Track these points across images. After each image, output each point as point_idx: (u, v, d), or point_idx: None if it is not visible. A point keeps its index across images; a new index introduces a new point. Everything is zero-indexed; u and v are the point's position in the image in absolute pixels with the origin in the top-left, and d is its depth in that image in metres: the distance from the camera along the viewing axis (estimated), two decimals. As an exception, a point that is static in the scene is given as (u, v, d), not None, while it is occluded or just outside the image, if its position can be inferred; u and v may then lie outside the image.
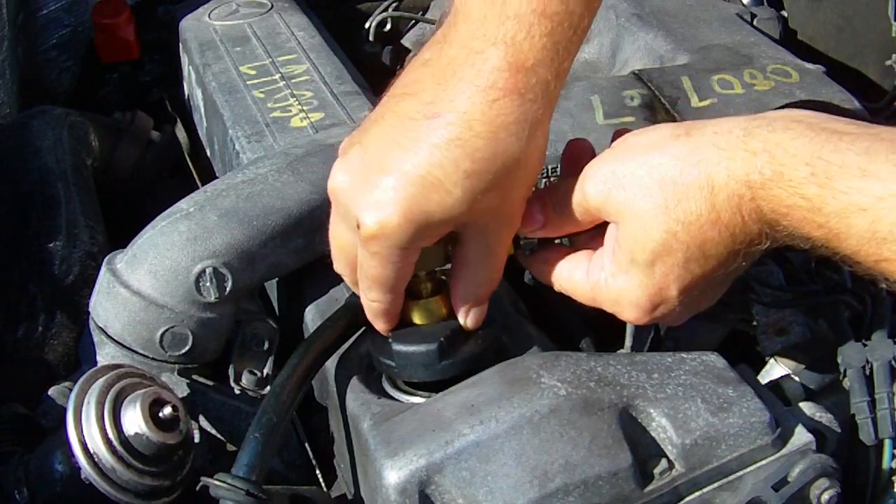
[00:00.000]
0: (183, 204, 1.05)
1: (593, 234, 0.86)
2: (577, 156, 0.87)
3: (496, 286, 0.87)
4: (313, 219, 1.03)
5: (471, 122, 0.77)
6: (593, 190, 0.81)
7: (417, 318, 0.89)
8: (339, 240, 0.87)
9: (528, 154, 0.79)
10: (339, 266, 0.89)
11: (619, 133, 0.86)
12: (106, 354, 1.03)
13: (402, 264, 0.82)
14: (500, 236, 0.84)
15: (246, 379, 1.05)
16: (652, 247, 0.79)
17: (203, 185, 1.15)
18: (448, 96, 0.78)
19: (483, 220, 0.81)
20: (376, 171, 0.79)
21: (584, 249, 0.87)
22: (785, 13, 1.64)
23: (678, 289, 0.81)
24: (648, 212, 0.78)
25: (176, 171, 1.57)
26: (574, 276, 0.86)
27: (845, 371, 0.97)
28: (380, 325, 0.89)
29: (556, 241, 0.90)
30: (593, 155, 0.86)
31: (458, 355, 0.87)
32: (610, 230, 0.84)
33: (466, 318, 0.87)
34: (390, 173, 0.78)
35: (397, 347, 0.87)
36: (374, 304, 0.86)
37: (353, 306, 0.92)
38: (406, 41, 1.79)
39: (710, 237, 0.77)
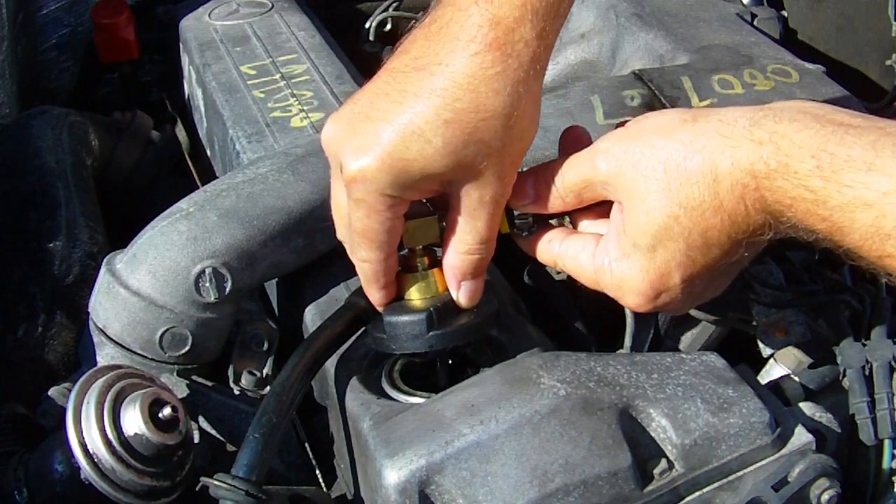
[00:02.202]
0: (183, 204, 1.05)
1: (599, 219, 0.87)
2: (574, 140, 0.88)
3: (487, 260, 0.87)
4: (313, 219, 1.04)
5: (453, 73, 0.79)
6: (605, 165, 0.82)
7: (414, 293, 0.88)
8: (336, 199, 0.88)
9: (511, 112, 0.80)
10: (339, 232, 0.90)
11: (621, 125, 0.86)
12: (105, 355, 1.03)
13: (386, 215, 0.82)
14: (486, 199, 0.83)
15: (246, 379, 1.05)
16: (654, 230, 0.79)
17: (203, 185, 1.15)
18: (434, 50, 0.80)
19: (467, 178, 0.82)
20: (363, 120, 0.81)
21: (591, 233, 0.87)
22: (785, 13, 1.64)
23: (681, 276, 0.81)
24: (653, 194, 0.78)
25: (176, 171, 1.57)
26: (579, 258, 0.86)
27: (845, 371, 0.97)
28: (373, 295, 0.89)
29: (555, 223, 0.89)
30: (590, 141, 0.86)
31: (448, 327, 0.86)
32: (614, 215, 0.84)
33: (458, 291, 0.87)
34: (375, 121, 0.80)
35: (387, 318, 0.87)
36: (364, 266, 0.87)
37: (353, 306, 0.92)
38: (406, 41, 1.79)
39: (713, 224, 0.77)
